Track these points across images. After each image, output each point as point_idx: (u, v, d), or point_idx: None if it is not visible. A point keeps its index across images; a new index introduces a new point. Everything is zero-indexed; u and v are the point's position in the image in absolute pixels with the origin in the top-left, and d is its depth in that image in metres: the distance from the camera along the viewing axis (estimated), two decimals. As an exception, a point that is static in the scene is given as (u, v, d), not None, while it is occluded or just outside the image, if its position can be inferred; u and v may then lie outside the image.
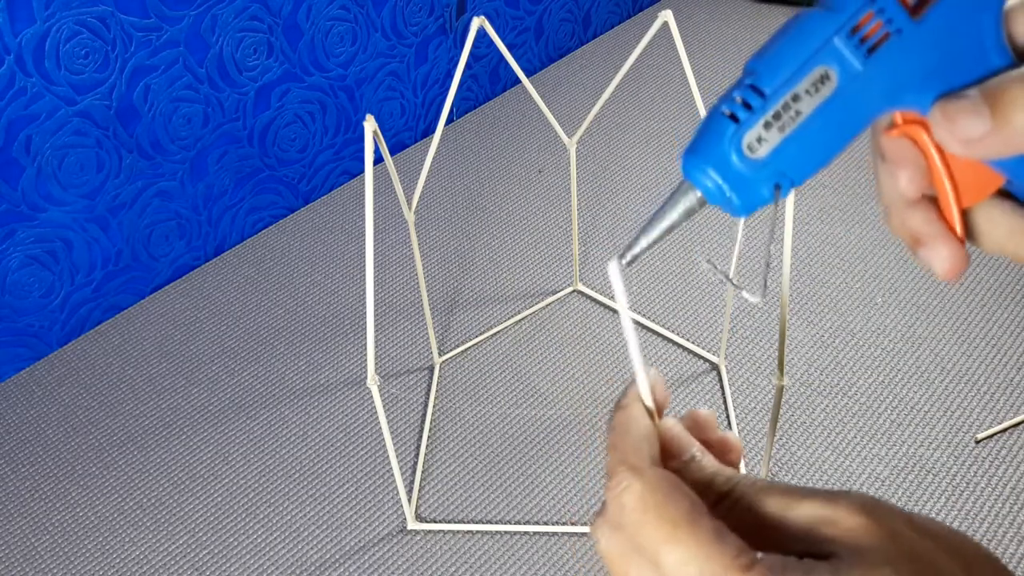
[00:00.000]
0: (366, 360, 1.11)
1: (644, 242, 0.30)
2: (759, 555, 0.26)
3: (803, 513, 0.27)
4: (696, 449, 0.32)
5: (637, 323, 1.11)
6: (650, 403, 0.32)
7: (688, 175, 0.28)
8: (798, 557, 0.26)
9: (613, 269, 0.30)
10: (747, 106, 0.27)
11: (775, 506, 0.28)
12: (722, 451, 0.33)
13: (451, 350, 1.10)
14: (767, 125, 0.27)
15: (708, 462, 0.31)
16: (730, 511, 0.29)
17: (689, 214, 0.29)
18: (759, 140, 0.27)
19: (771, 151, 0.27)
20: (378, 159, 1.38)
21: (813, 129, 0.27)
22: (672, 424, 0.32)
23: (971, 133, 0.28)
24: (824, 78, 0.27)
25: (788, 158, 0.27)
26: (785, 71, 0.27)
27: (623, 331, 0.34)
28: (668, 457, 0.31)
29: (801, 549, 0.27)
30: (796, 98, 0.27)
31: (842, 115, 0.27)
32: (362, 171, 1.39)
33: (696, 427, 0.33)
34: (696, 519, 0.27)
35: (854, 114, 0.28)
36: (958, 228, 0.29)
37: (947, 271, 0.30)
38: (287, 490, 0.96)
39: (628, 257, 0.31)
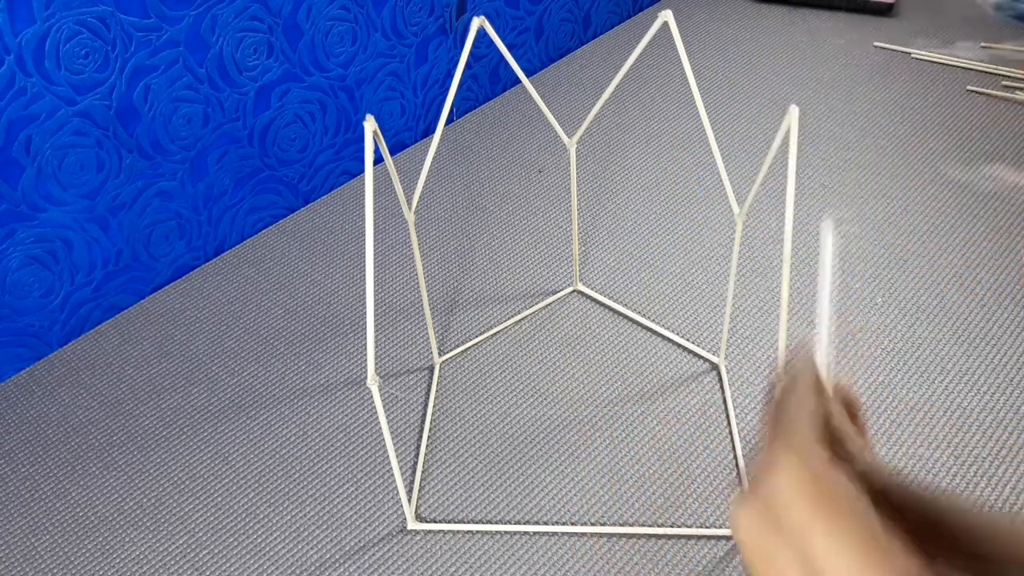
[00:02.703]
0: (366, 360, 1.11)
1: None
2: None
3: (969, 523, 0.26)
4: (861, 438, 0.29)
5: (636, 323, 1.11)
6: (824, 374, 0.29)
7: None
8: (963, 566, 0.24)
9: (826, 229, 0.28)
10: None
11: (941, 511, 0.26)
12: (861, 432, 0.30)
13: (451, 350, 1.10)
14: None
15: (871, 454, 0.28)
16: (892, 507, 0.27)
17: None
18: None
19: None
20: (378, 159, 1.38)
21: None
22: (840, 409, 0.29)
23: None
24: None
25: None
26: None
27: (820, 286, 0.31)
28: (833, 441, 0.28)
29: (963, 559, 0.25)
30: None
31: None
32: (362, 171, 1.39)
33: (848, 408, 0.30)
34: (859, 513, 0.25)
35: None
36: None
37: None
38: (287, 490, 0.96)
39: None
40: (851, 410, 0.30)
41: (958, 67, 1.53)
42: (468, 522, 0.92)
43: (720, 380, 1.04)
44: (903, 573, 0.24)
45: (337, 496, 0.95)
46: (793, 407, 0.28)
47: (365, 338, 1.10)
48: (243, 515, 0.94)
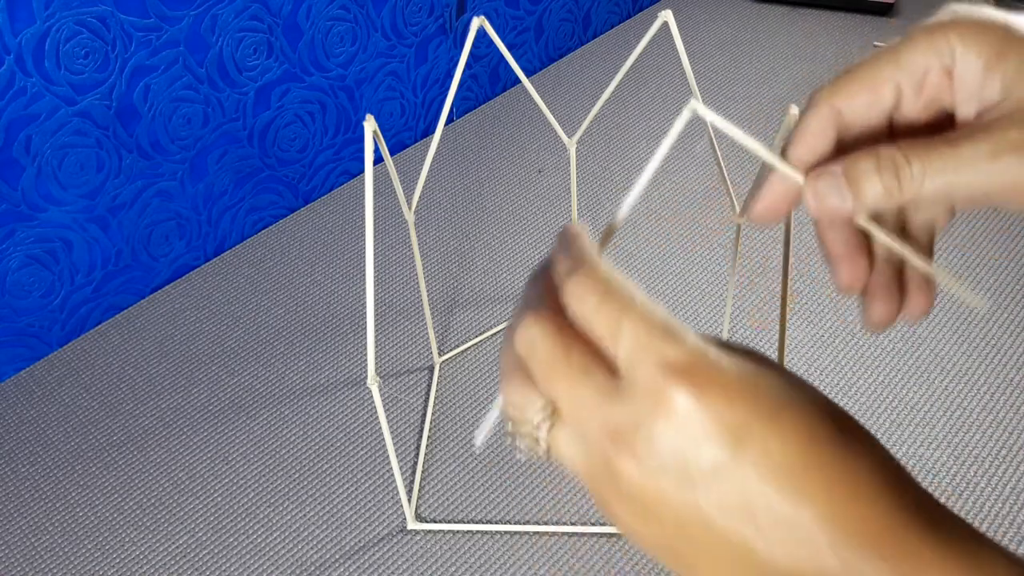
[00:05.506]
0: (366, 360, 1.11)
1: None
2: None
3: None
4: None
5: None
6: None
7: None
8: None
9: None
10: None
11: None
12: None
13: (451, 350, 1.10)
14: None
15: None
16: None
17: None
18: None
19: None
20: (378, 159, 1.38)
21: None
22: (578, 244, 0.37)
23: (838, 210, 0.35)
24: None
25: None
26: None
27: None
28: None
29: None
30: None
31: None
32: (362, 171, 1.39)
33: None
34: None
35: None
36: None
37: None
38: (287, 490, 0.96)
39: None
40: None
41: (958, 67, 1.52)
42: (468, 522, 0.92)
43: (720, 380, 1.04)
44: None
45: (337, 496, 0.95)
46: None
47: (365, 338, 1.10)
48: (243, 515, 0.94)
